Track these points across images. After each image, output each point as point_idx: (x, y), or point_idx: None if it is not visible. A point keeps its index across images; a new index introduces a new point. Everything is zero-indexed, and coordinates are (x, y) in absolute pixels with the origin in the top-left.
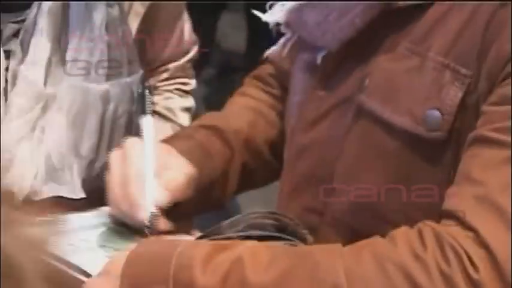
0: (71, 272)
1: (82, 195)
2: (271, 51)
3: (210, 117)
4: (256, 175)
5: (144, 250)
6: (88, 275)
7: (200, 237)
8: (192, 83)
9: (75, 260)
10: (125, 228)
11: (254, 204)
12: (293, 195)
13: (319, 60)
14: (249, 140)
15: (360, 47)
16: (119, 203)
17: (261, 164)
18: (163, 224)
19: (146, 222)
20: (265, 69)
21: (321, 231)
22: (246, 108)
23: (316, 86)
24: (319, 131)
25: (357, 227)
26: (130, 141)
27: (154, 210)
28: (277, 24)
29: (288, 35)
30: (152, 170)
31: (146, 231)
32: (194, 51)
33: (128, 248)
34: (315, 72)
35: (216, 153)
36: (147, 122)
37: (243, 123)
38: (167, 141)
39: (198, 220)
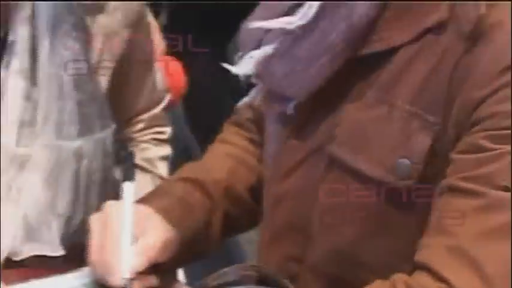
0: None
1: (62, 252)
2: (243, 102)
3: (189, 169)
4: (240, 222)
5: None
6: None
7: None
8: (168, 131)
9: None
10: None
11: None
12: (273, 244)
13: (290, 110)
14: (229, 188)
15: (329, 96)
16: (96, 267)
17: (243, 211)
18: (138, 287)
19: (120, 286)
20: (244, 115)
21: (300, 278)
22: (226, 156)
23: (289, 136)
24: (294, 181)
25: (335, 274)
26: (110, 205)
27: (129, 275)
28: (248, 76)
29: (258, 86)
30: (129, 235)
31: None
32: (167, 99)
33: None
34: (287, 122)
35: (197, 206)
36: (127, 188)
37: (223, 172)
38: (146, 200)
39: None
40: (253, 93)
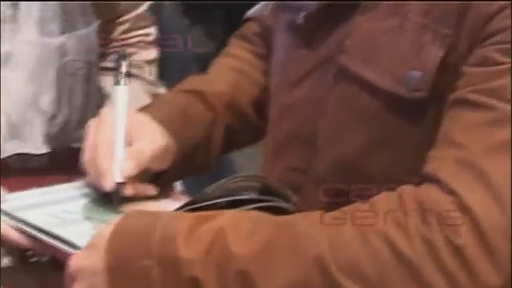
0: (57, 244)
1: (45, 150)
2: (253, 10)
3: (192, 81)
4: (241, 136)
5: (128, 223)
6: (76, 247)
7: (185, 205)
8: (153, 32)
9: (61, 232)
10: (108, 198)
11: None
12: (277, 155)
13: (300, 20)
14: (232, 101)
15: (341, 6)
16: (89, 171)
17: (245, 125)
18: (129, 191)
19: (110, 190)
20: (250, 28)
21: (305, 190)
22: (230, 69)
23: (298, 46)
24: (302, 91)
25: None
26: (106, 110)
27: (119, 179)
28: None
29: None
30: (122, 140)
31: (113, 199)
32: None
33: (113, 219)
34: (297, 31)
35: (198, 118)
36: (120, 91)
37: (226, 84)
38: (144, 109)
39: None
40: (261, 4)
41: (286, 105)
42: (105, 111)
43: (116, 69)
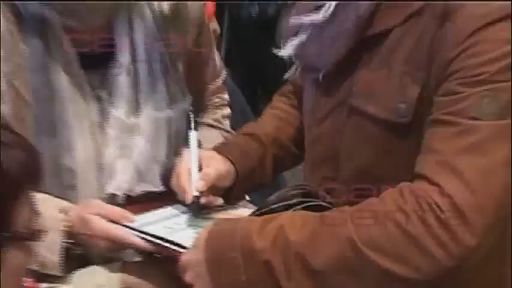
0: (172, 246)
1: (162, 188)
2: (288, 74)
3: (248, 126)
4: (285, 162)
5: (218, 228)
6: (185, 248)
7: (255, 211)
8: (227, 96)
9: (173, 238)
10: (204, 211)
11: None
12: (314, 169)
13: (321, 77)
14: (276, 139)
15: (347, 65)
16: (175, 190)
17: (287, 154)
18: (203, 202)
19: (190, 201)
20: (287, 87)
21: (335, 191)
22: (274, 117)
23: (321, 95)
24: (325, 126)
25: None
26: (186, 151)
27: (195, 193)
28: (290, 57)
29: (297, 63)
30: (196, 168)
31: (192, 208)
32: (224, 73)
33: (207, 225)
34: (319, 85)
35: (252, 151)
36: (192, 136)
37: (272, 127)
38: (215, 147)
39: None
40: (292, 69)
41: (316, 136)
42: (184, 152)
43: (187, 120)
